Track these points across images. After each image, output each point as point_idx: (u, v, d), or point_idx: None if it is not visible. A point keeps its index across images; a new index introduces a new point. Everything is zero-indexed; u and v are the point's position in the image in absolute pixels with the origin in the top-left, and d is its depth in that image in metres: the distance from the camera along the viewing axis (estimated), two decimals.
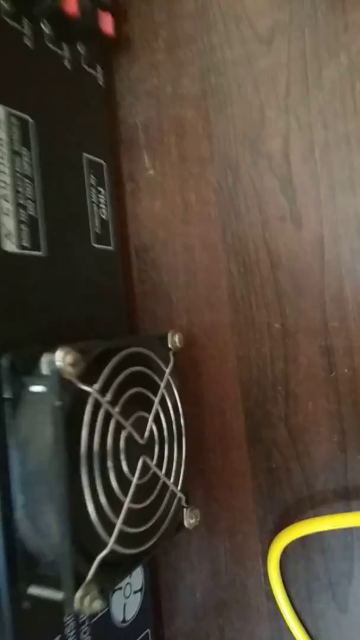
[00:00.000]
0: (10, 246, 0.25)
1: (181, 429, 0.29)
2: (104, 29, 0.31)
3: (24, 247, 0.26)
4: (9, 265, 0.25)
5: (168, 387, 0.29)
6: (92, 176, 0.31)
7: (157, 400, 0.28)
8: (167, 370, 0.29)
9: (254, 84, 0.32)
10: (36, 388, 0.24)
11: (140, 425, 0.27)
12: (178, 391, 0.29)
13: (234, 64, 0.33)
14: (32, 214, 0.27)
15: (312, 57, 0.31)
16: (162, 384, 0.28)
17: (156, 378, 0.28)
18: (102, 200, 0.32)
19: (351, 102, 0.30)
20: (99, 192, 0.32)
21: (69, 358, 0.23)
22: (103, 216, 0.32)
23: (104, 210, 0.32)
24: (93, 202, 0.31)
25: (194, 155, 0.33)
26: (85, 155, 0.31)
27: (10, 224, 0.25)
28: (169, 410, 0.29)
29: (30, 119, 0.27)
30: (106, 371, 0.25)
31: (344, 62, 0.30)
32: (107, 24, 0.32)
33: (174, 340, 0.29)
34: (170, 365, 0.29)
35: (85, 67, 0.32)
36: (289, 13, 0.31)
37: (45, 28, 0.29)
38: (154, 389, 0.28)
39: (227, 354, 0.33)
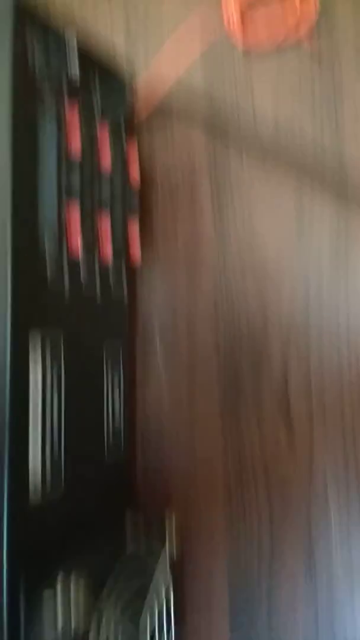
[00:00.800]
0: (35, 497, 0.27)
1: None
2: (132, 259, 0.33)
3: (47, 496, 0.28)
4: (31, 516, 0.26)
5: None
6: (111, 375, 0.33)
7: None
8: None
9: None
10: None
11: None
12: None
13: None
14: (56, 455, 0.28)
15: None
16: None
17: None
18: (116, 404, 0.33)
19: None
20: (114, 385, 0.33)
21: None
22: (116, 425, 0.33)
23: (118, 415, 0.33)
24: (109, 412, 0.33)
25: (204, 368, 0.35)
26: (107, 359, 0.32)
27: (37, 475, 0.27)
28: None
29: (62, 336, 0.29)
30: None
31: None
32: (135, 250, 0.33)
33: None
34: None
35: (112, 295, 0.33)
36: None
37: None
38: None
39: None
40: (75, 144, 0.29)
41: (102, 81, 0.31)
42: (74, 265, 0.29)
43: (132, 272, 0.34)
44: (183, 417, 0.35)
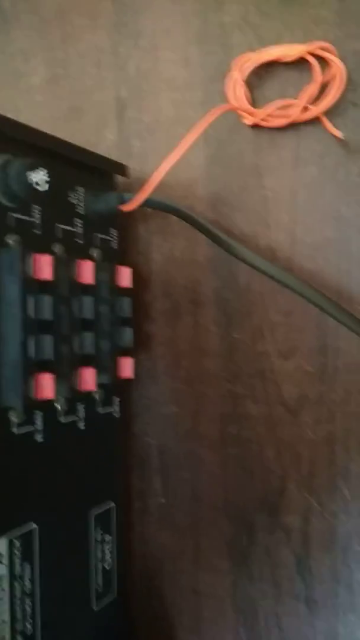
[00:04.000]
0: None
1: None
2: (123, 375, 0.27)
3: None
4: None
5: None
6: (99, 528, 0.27)
7: None
8: None
9: (276, 450, 0.28)
10: None
11: None
12: None
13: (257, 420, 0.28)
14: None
15: None
16: None
17: None
18: (107, 550, 0.28)
19: None
20: (104, 540, 0.28)
21: None
22: (107, 567, 0.28)
23: (108, 562, 0.28)
24: (98, 558, 0.27)
25: (208, 501, 0.29)
26: (93, 511, 0.27)
27: None
28: None
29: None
30: None
31: None
32: (126, 369, 0.27)
33: None
34: None
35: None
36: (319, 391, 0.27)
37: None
38: None
39: None
40: (45, 259, 0.23)
41: (83, 178, 0.26)
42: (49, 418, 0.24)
43: (123, 389, 0.29)
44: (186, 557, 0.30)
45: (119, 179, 0.29)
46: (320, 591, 0.28)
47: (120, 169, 0.30)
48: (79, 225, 0.27)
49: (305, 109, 0.27)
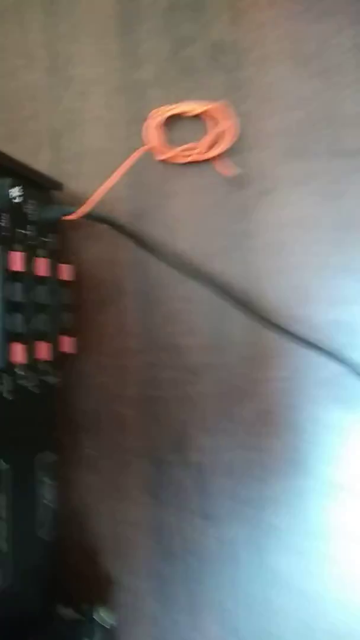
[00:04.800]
0: None
1: None
2: (66, 349, 0.35)
3: None
4: None
5: None
6: (42, 472, 0.35)
7: None
8: None
9: (181, 404, 0.38)
10: None
11: None
12: None
13: (167, 382, 0.38)
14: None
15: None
16: None
17: None
18: (47, 489, 0.35)
19: None
20: (45, 482, 0.35)
21: None
22: (48, 503, 0.35)
23: (48, 499, 0.35)
24: (41, 496, 0.35)
25: (128, 449, 0.38)
26: (38, 458, 0.35)
27: None
28: None
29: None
30: None
31: None
32: (68, 345, 0.35)
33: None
34: None
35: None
36: (212, 359, 0.37)
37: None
38: None
39: None
40: (18, 255, 0.31)
41: (31, 193, 0.34)
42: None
43: (64, 362, 0.37)
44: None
45: (55, 193, 0.37)
46: (213, 507, 0.37)
47: (58, 186, 0.37)
48: (31, 230, 0.34)
49: (205, 151, 0.37)
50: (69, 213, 0.35)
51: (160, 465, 0.38)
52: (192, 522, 0.37)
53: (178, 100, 0.38)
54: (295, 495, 0.36)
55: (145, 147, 0.37)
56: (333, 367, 0.36)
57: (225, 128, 0.37)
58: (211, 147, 0.37)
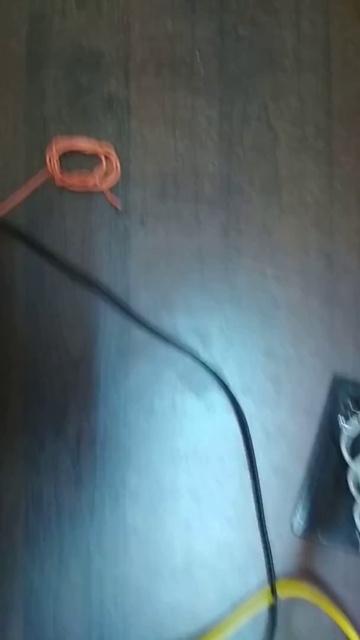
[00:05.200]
0: None
1: None
2: None
3: None
4: None
5: None
6: None
7: None
8: None
9: (63, 388, 0.45)
10: None
11: None
12: None
13: (51, 369, 0.45)
14: None
15: None
16: None
17: None
18: None
19: None
20: None
21: None
22: None
23: None
24: None
25: (13, 428, 0.44)
26: None
27: None
28: None
29: None
30: None
31: None
32: None
33: None
34: None
35: None
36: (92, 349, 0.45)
37: None
38: None
39: None
40: None
41: None
42: None
43: None
44: None
45: None
46: (85, 476, 0.45)
47: None
48: None
49: (98, 183, 0.45)
50: None
51: (42, 443, 0.44)
52: (66, 487, 0.45)
53: (75, 135, 0.45)
54: (150, 462, 0.45)
55: (47, 173, 0.44)
56: (188, 362, 0.46)
57: (113, 166, 0.45)
58: (101, 179, 0.45)
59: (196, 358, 0.45)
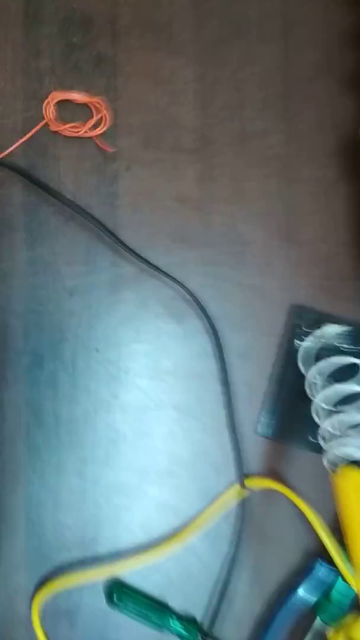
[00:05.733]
0: None
1: None
2: None
3: None
4: None
5: None
6: None
7: None
8: None
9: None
10: None
11: None
12: None
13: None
14: None
15: None
16: None
17: None
18: None
19: None
20: None
21: None
22: None
23: None
24: None
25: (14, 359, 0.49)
26: None
27: None
28: None
29: None
30: None
31: None
32: None
33: None
34: None
35: None
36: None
37: None
38: None
39: None
40: None
41: None
42: None
43: None
44: None
45: None
46: (80, 390, 0.50)
47: None
48: None
49: (88, 131, 0.51)
50: None
51: (42, 360, 0.50)
52: (64, 402, 0.50)
53: (68, 89, 0.51)
54: (138, 378, 0.52)
55: (44, 120, 0.49)
56: (170, 293, 0.52)
57: (103, 116, 0.51)
58: (92, 128, 0.51)
59: (180, 288, 0.52)
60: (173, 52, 0.53)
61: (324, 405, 0.49)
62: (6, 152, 0.47)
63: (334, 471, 0.47)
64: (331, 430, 0.48)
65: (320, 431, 0.50)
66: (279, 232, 0.55)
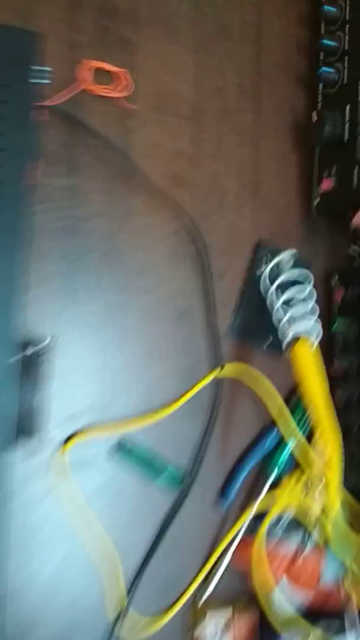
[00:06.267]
0: None
1: None
2: None
3: None
4: None
5: None
6: None
7: None
8: None
9: None
10: None
11: None
12: None
13: None
14: None
15: None
16: None
17: None
18: None
19: None
20: None
21: None
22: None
23: None
24: None
25: None
26: None
27: None
28: None
29: None
30: None
31: None
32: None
33: None
34: None
35: None
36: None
37: None
38: None
39: None
40: None
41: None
42: None
43: None
44: None
45: None
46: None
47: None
48: None
49: (116, 92, 0.66)
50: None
51: None
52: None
53: (100, 60, 0.66)
54: None
55: (85, 82, 0.64)
56: (174, 224, 0.68)
57: (128, 83, 0.67)
58: (118, 91, 0.67)
59: (182, 215, 0.68)
60: (177, 43, 0.70)
61: (280, 309, 0.68)
62: (56, 102, 0.62)
63: (290, 350, 0.65)
64: (287, 322, 0.67)
65: (280, 327, 0.68)
66: (248, 185, 0.73)
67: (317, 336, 0.68)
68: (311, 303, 0.69)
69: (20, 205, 0.54)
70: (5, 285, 0.51)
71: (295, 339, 0.65)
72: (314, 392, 0.62)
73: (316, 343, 0.67)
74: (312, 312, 0.68)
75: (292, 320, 0.67)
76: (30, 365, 0.51)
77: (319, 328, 0.68)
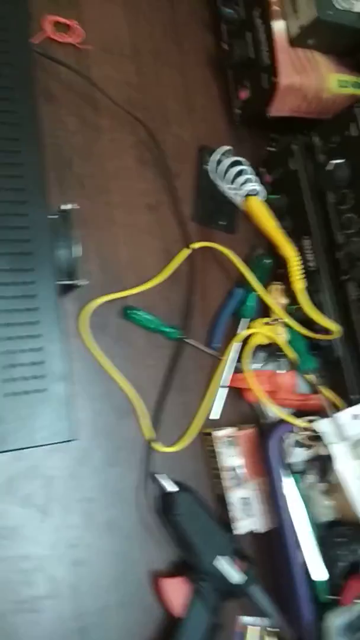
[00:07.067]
0: None
1: None
2: None
3: None
4: None
5: None
6: None
7: None
8: None
9: None
10: None
11: None
12: None
13: None
14: None
15: None
16: None
17: None
18: None
19: None
20: None
21: None
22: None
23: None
24: None
25: None
26: None
27: None
28: None
29: None
30: None
31: None
32: None
33: None
34: None
35: None
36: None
37: None
38: None
39: None
40: None
41: None
42: None
43: None
44: None
45: None
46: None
47: None
48: None
49: (72, 39, 0.84)
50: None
51: None
52: None
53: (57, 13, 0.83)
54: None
55: (44, 34, 0.81)
56: (135, 138, 0.86)
57: (80, 32, 0.85)
58: (79, 40, 0.84)
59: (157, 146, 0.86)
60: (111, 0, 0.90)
61: (226, 185, 0.88)
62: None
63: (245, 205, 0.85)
64: (238, 188, 0.86)
65: (233, 196, 0.88)
66: (184, 105, 0.93)
67: (262, 195, 0.87)
68: (252, 175, 0.89)
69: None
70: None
71: (247, 197, 0.84)
72: (270, 227, 0.82)
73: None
74: (254, 180, 0.88)
75: (241, 186, 0.86)
76: (65, 221, 0.67)
77: (262, 189, 0.88)
